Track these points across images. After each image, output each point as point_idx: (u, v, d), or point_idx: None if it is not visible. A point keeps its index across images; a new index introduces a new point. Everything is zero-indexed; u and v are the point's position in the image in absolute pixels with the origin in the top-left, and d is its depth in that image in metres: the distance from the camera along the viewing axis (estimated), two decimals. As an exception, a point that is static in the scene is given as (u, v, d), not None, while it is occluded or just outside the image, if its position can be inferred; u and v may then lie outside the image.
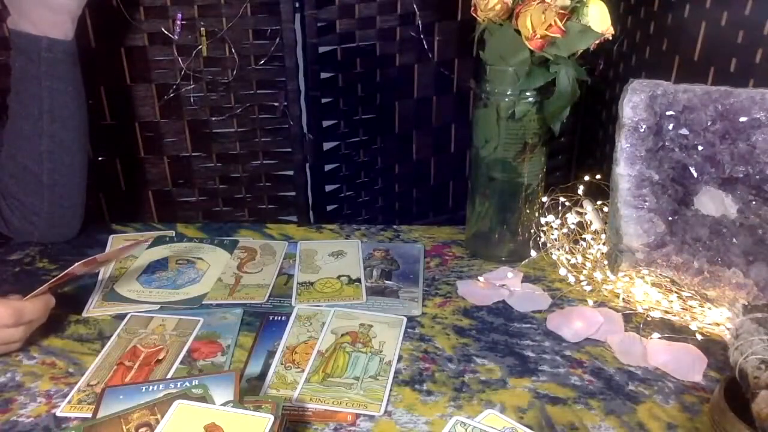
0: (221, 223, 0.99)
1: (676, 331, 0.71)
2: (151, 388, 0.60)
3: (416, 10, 1.18)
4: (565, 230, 0.83)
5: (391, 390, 0.63)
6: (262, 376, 0.65)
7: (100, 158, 1.12)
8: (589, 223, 0.83)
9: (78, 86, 0.85)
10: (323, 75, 1.17)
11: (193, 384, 0.58)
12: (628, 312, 0.74)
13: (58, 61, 0.81)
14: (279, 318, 0.74)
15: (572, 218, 0.83)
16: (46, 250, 0.88)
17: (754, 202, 0.68)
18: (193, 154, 1.16)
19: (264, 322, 0.74)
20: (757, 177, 0.68)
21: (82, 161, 0.87)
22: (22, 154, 0.83)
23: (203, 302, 0.77)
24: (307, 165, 1.21)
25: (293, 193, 1.23)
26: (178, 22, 1.05)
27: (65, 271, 0.70)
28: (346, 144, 1.24)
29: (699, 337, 0.70)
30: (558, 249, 0.83)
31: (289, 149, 1.19)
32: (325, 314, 0.74)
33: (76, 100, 0.85)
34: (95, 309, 0.76)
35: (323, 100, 1.18)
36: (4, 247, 0.88)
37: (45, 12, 0.79)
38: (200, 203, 1.21)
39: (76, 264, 0.70)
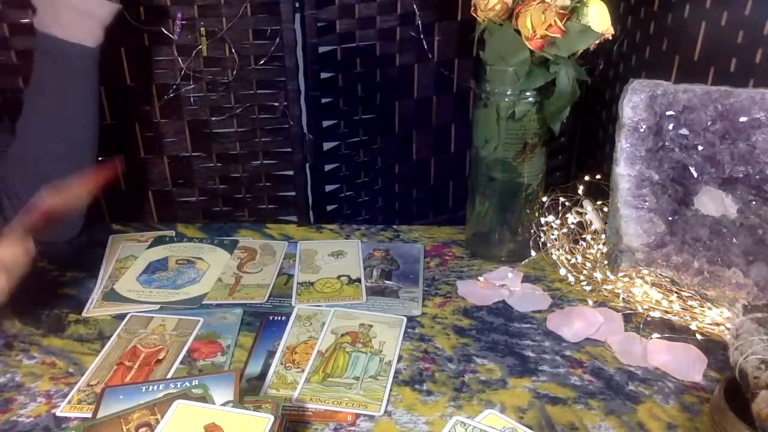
0: (221, 223, 0.99)
1: (676, 331, 0.71)
2: (151, 388, 0.60)
3: (416, 10, 1.18)
4: (565, 230, 0.83)
5: (391, 390, 0.63)
6: (262, 376, 0.65)
7: (100, 158, 1.12)
8: (589, 223, 0.83)
9: (97, 90, 0.85)
10: (323, 75, 1.17)
11: (193, 384, 0.58)
12: (628, 312, 0.74)
13: (86, 67, 0.81)
14: (279, 318, 0.74)
15: (572, 218, 0.83)
16: (46, 250, 0.88)
17: (754, 202, 0.68)
18: (193, 154, 1.16)
19: (264, 322, 0.74)
20: (757, 177, 0.68)
21: (91, 163, 0.87)
22: (33, 155, 0.83)
23: (203, 302, 0.77)
24: (307, 165, 1.21)
25: (293, 193, 1.23)
26: (178, 22, 1.05)
27: (33, 207, 0.67)
28: (346, 144, 1.24)
29: (699, 337, 0.70)
30: (558, 249, 0.83)
31: (289, 149, 1.19)
32: (325, 314, 0.74)
33: (95, 104, 0.84)
34: (95, 309, 0.76)
35: (323, 100, 1.18)
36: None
37: (78, 17, 0.78)
38: (200, 203, 1.21)
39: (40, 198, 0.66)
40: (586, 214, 0.84)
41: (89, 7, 0.79)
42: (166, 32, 1.05)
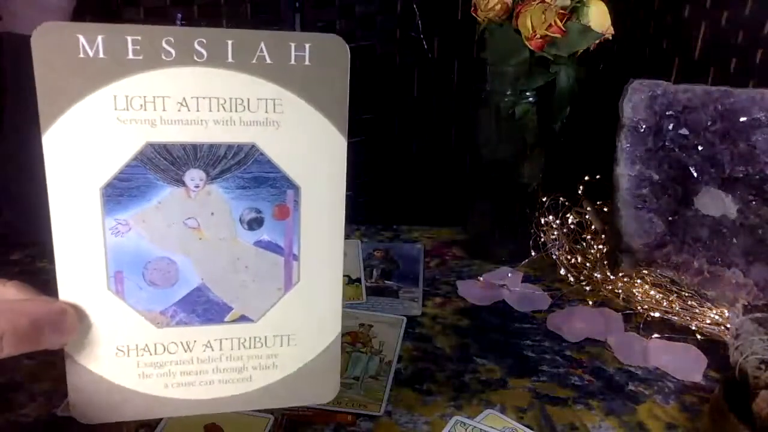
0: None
1: (676, 331, 0.71)
2: (151, 388, 0.59)
3: (416, 10, 1.18)
4: (565, 230, 0.83)
5: (391, 390, 0.63)
6: (262, 376, 0.65)
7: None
8: (589, 223, 0.83)
9: None
10: (323, 75, 1.17)
11: (193, 384, 0.57)
12: (628, 312, 0.74)
13: None
14: (279, 318, 0.74)
15: (572, 218, 0.83)
16: (46, 250, 0.88)
17: (754, 202, 0.68)
18: (193, 154, 1.16)
19: (264, 322, 0.73)
20: (757, 177, 0.68)
21: None
22: (23, 153, 0.83)
23: (203, 302, 0.77)
24: (307, 165, 1.21)
25: (293, 193, 1.23)
26: (178, 23, 1.05)
27: None
28: (347, 144, 1.24)
29: (699, 337, 0.70)
30: (558, 249, 0.83)
31: (289, 149, 1.19)
32: (325, 314, 0.74)
33: None
34: (95, 309, 0.76)
35: (323, 100, 1.18)
36: (3, 247, 0.88)
37: (37, 14, 0.78)
38: (200, 203, 1.21)
39: None
40: (586, 214, 0.84)
41: (51, 2, 0.77)
42: (166, 32, 1.05)
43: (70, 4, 0.80)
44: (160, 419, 0.52)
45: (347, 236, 0.93)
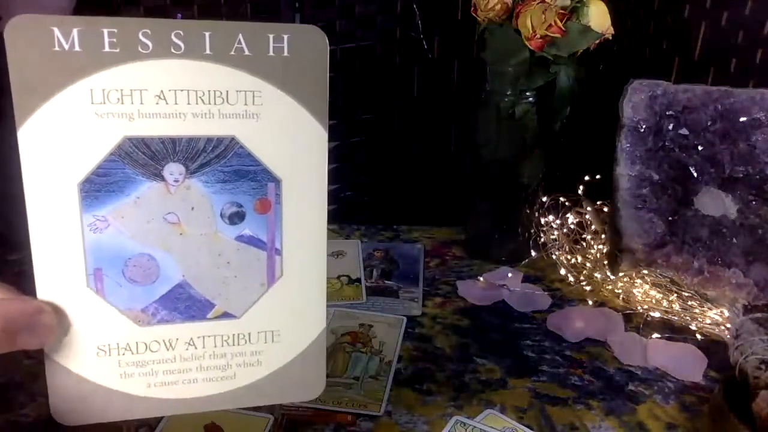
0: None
1: (676, 331, 0.71)
2: (151, 388, 0.59)
3: (416, 10, 1.18)
4: (565, 230, 0.83)
5: (391, 390, 0.63)
6: (262, 376, 0.65)
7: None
8: (589, 223, 0.83)
9: None
10: (323, 75, 1.17)
11: (193, 384, 0.57)
12: (628, 312, 0.74)
13: None
14: (279, 318, 0.74)
15: (572, 218, 0.83)
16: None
17: (754, 202, 0.68)
18: (193, 154, 1.16)
19: (264, 322, 0.73)
20: (757, 177, 0.68)
21: None
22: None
23: (203, 302, 0.77)
24: (307, 165, 1.21)
25: (293, 193, 1.23)
26: (178, 22, 1.05)
27: None
28: (346, 144, 1.24)
29: (699, 337, 0.70)
30: (558, 249, 0.83)
31: (289, 149, 1.19)
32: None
33: None
34: (95, 309, 0.76)
35: (323, 100, 1.18)
36: (2, 246, 0.88)
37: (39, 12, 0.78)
38: (200, 203, 1.21)
39: None
40: (586, 214, 0.84)
41: (51, 2, 0.76)
42: (166, 32, 1.05)
43: (70, 4, 0.80)
44: (161, 418, 0.52)
45: (347, 236, 0.93)
